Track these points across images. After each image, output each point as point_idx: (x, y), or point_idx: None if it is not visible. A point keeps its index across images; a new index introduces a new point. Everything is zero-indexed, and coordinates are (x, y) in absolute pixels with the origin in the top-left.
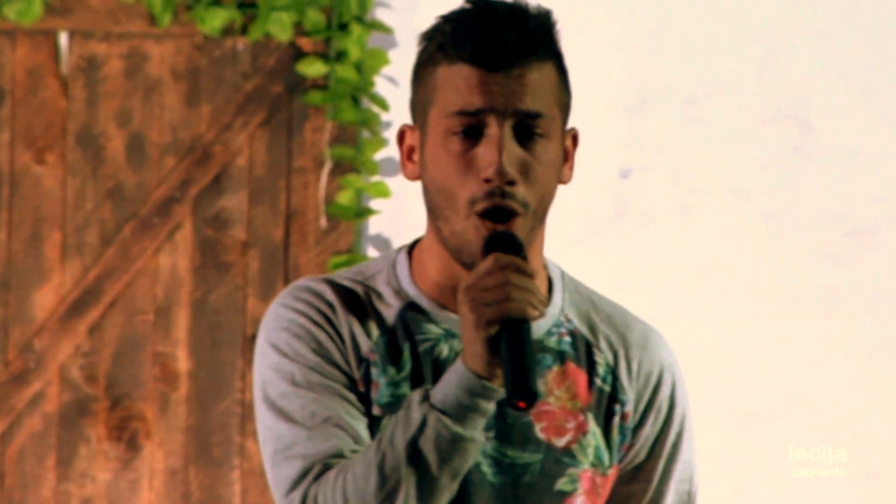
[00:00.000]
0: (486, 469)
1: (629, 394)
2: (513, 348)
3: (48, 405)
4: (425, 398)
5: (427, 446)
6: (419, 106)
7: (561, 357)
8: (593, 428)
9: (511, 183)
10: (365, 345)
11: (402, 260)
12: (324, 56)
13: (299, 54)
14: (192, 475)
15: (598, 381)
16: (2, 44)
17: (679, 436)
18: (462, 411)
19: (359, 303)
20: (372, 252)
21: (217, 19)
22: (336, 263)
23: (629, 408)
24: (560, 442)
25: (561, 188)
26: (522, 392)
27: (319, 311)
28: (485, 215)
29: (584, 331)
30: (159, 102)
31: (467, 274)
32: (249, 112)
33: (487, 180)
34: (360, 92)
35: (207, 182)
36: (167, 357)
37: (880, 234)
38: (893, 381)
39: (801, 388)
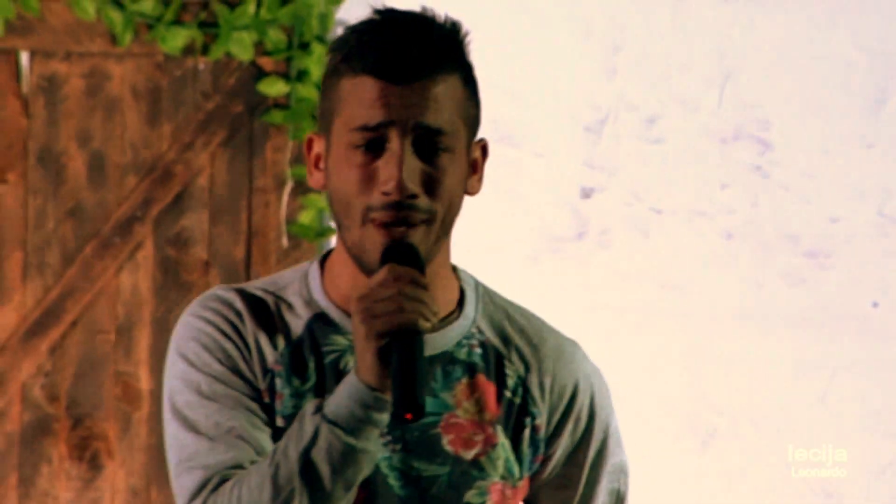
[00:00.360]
0: (393, 482)
1: (541, 406)
2: (402, 360)
3: (9, 425)
4: (318, 410)
5: (319, 457)
6: (324, 116)
7: (471, 369)
8: (502, 440)
9: (412, 197)
10: (270, 355)
11: (315, 270)
12: (285, 75)
13: (260, 74)
14: (153, 494)
15: (508, 394)
16: None
17: (604, 442)
18: (354, 423)
19: (267, 313)
20: None
21: (178, 39)
22: None
23: (540, 420)
24: (468, 454)
25: (522, 207)
26: (408, 404)
27: (227, 321)
28: (382, 225)
29: (496, 342)
30: (120, 122)
31: None
32: (210, 131)
33: (386, 194)
34: None
35: (168, 201)
36: (129, 376)
37: (838, 254)
38: (848, 399)
39: (758, 405)
